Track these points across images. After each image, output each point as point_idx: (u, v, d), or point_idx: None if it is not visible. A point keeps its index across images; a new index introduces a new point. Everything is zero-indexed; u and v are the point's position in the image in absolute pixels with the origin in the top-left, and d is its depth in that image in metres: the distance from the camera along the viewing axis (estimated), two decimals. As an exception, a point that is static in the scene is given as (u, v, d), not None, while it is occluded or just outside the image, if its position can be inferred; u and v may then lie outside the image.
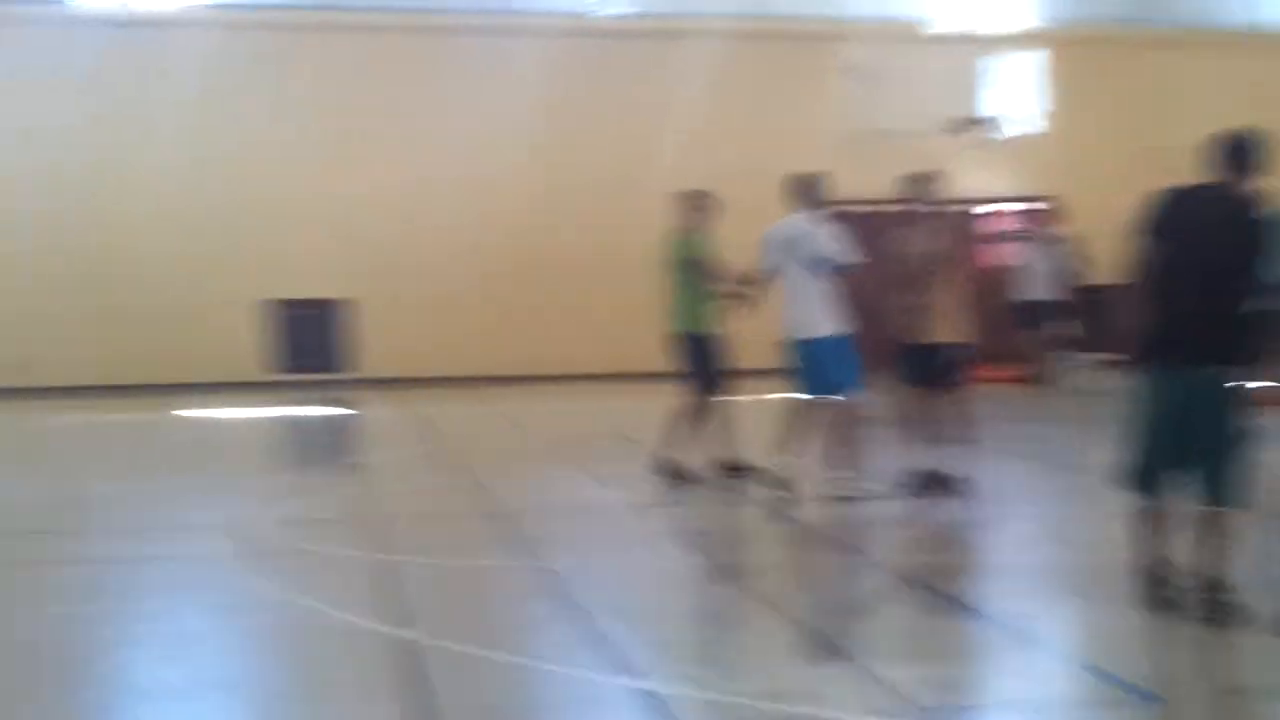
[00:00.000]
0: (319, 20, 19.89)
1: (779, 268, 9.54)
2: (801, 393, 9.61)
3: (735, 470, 10.33)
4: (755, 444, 10.19)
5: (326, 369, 20.08)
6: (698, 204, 10.50)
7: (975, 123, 21.07)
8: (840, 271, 9.40)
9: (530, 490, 10.62)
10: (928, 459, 9.60)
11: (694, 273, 10.32)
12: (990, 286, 16.88)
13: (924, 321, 9.46)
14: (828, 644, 6.36)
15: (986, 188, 20.52)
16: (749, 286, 9.90)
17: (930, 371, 9.52)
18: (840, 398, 9.54)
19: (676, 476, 10.28)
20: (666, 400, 10.64)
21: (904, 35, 20.68)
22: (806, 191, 9.61)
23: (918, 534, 8.86)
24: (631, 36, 20.47)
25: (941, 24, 21.07)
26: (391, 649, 6.08)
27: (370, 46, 20.06)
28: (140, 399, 18.24)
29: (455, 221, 20.01)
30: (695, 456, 10.37)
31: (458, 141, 19.87)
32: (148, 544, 8.75)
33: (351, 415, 17.05)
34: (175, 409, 17.03)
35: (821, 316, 9.41)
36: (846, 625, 6.85)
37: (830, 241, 9.44)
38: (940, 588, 7.30)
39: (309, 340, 20.15)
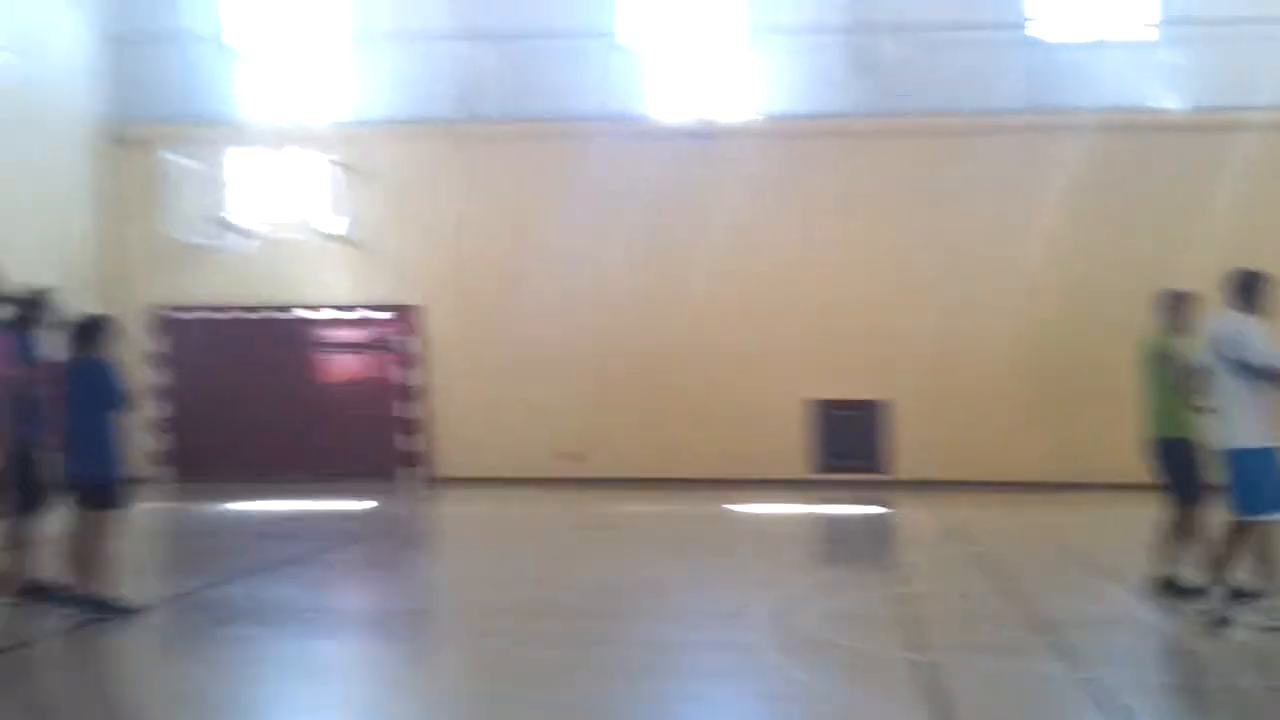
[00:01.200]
0: (874, 127, 20.37)
1: (1212, 369, 8.93)
2: (1231, 509, 8.84)
3: (1179, 588, 9.70)
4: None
5: (865, 469, 20.37)
6: (1176, 304, 10.08)
7: None
8: (1269, 377, 8.63)
9: (1063, 597, 10.36)
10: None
11: (1171, 376, 9.84)
12: None
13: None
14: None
15: None
16: (1192, 387, 9.31)
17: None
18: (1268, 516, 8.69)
19: (1173, 592, 9.76)
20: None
21: None
22: (1242, 289, 8.97)
23: None
24: (1175, 131, 19.75)
25: None
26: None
27: (919, 149, 20.35)
28: (688, 493, 19.18)
29: (989, 325, 19.93)
30: (1189, 570, 9.79)
31: (994, 243, 19.87)
32: (696, 630, 9.21)
33: (887, 515, 17.21)
34: (723, 503, 17.80)
35: (1244, 425, 8.69)
36: None
37: (1261, 344, 8.72)
38: None
39: (850, 440, 20.53)
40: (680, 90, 21.25)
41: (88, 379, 9.44)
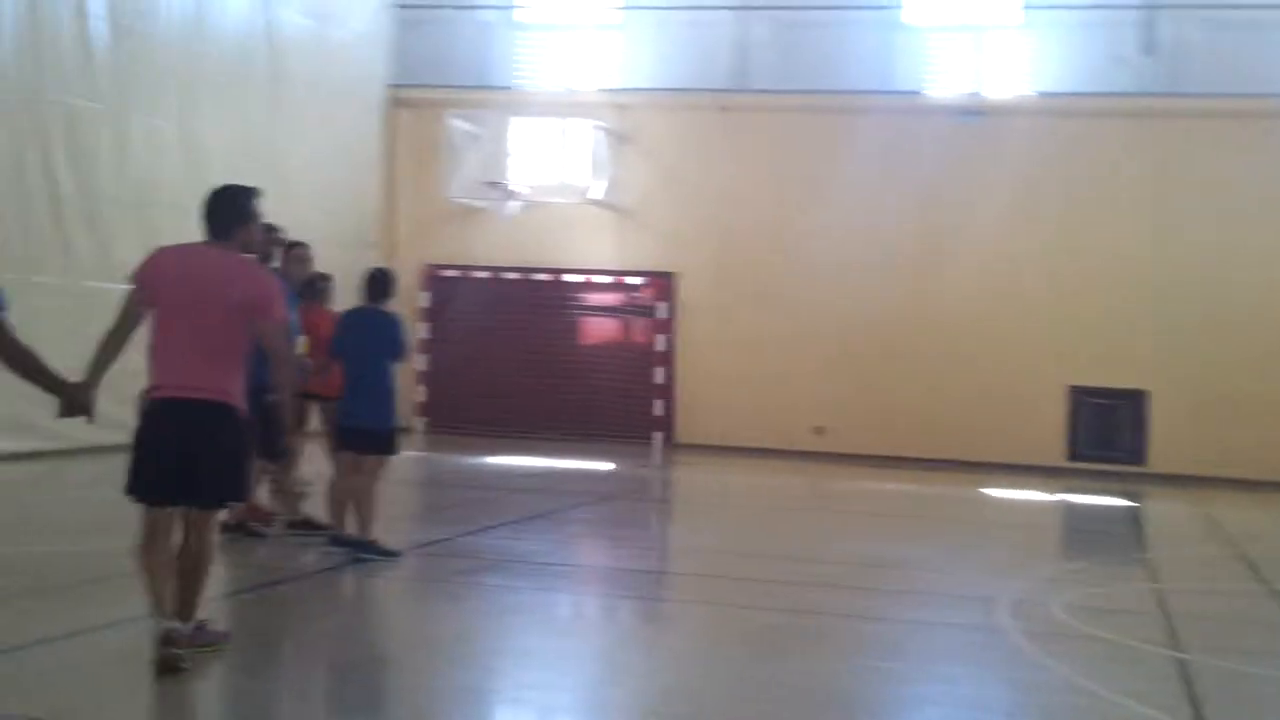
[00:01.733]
0: (1150, 107, 19.70)
1: None
2: None
3: None
4: None
5: (1121, 459, 19.80)
6: None
7: None
8: None
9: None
10: None
11: None
12: None
13: None
14: None
15: None
16: None
17: None
18: None
19: None
20: None
21: None
22: None
23: None
24: None
25: None
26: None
27: (1195, 131, 19.59)
28: (933, 473, 18.96)
29: (1255, 319, 19.14)
30: None
31: (1265, 230, 19.09)
32: (943, 611, 9.13)
33: (1141, 508, 16.69)
34: (972, 485, 17.54)
35: None
36: None
37: None
38: None
39: (1107, 429, 20.00)
40: (954, 66, 20.92)
41: (374, 329, 9.79)
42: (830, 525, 14.20)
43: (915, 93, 20.74)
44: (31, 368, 6.06)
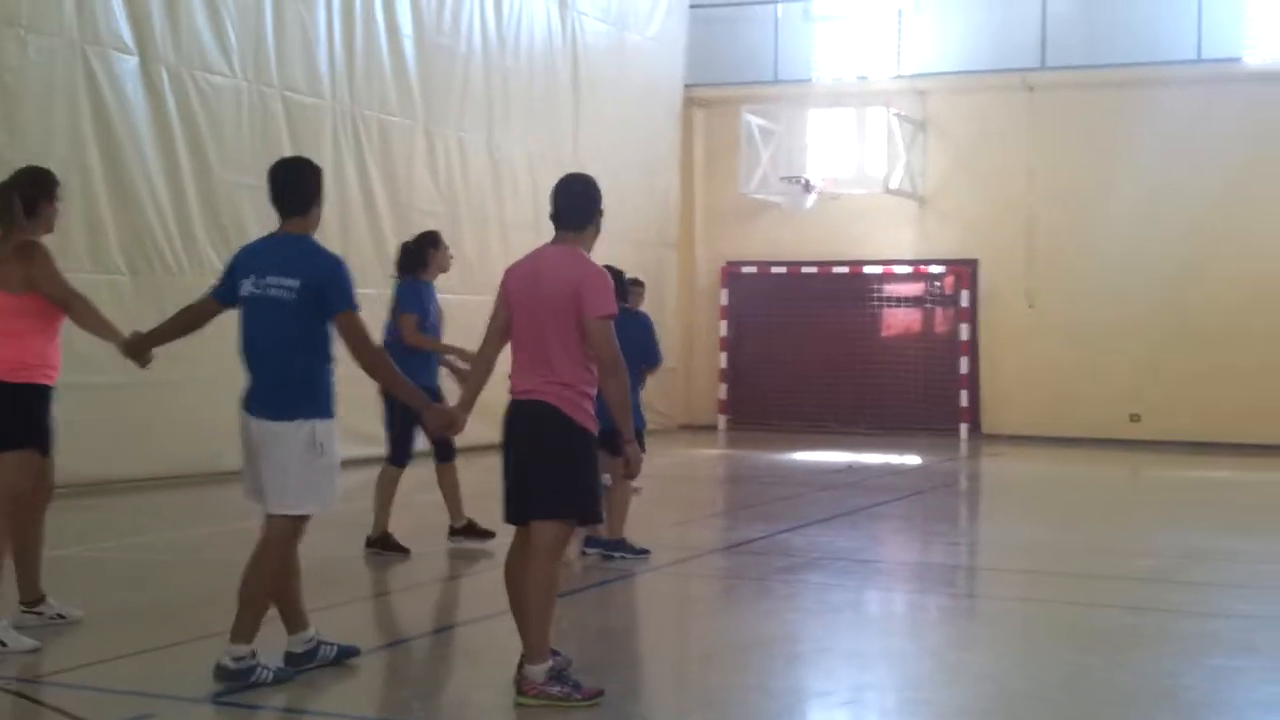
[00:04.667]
0: None
1: None
2: None
3: None
4: None
5: None
6: None
7: None
8: None
9: None
10: None
11: None
12: None
13: None
14: None
15: None
16: None
17: None
18: None
19: None
20: None
21: None
22: None
23: None
24: None
25: None
26: None
27: None
28: (1255, 459, 18.06)
29: None
30: None
31: None
32: (1271, 605, 8.66)
33: None
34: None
35: None
36: None
37: None
38: None
39: None
40: (1272, 29, 19.87)
41: (625, 332, 9.71)
42: (1151, 515, 13.64)
43: (1231, 60, 19.77)
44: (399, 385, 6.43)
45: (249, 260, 6.29)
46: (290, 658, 6.32)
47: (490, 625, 7.45)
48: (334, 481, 6.23)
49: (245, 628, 6.07)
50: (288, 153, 14.84)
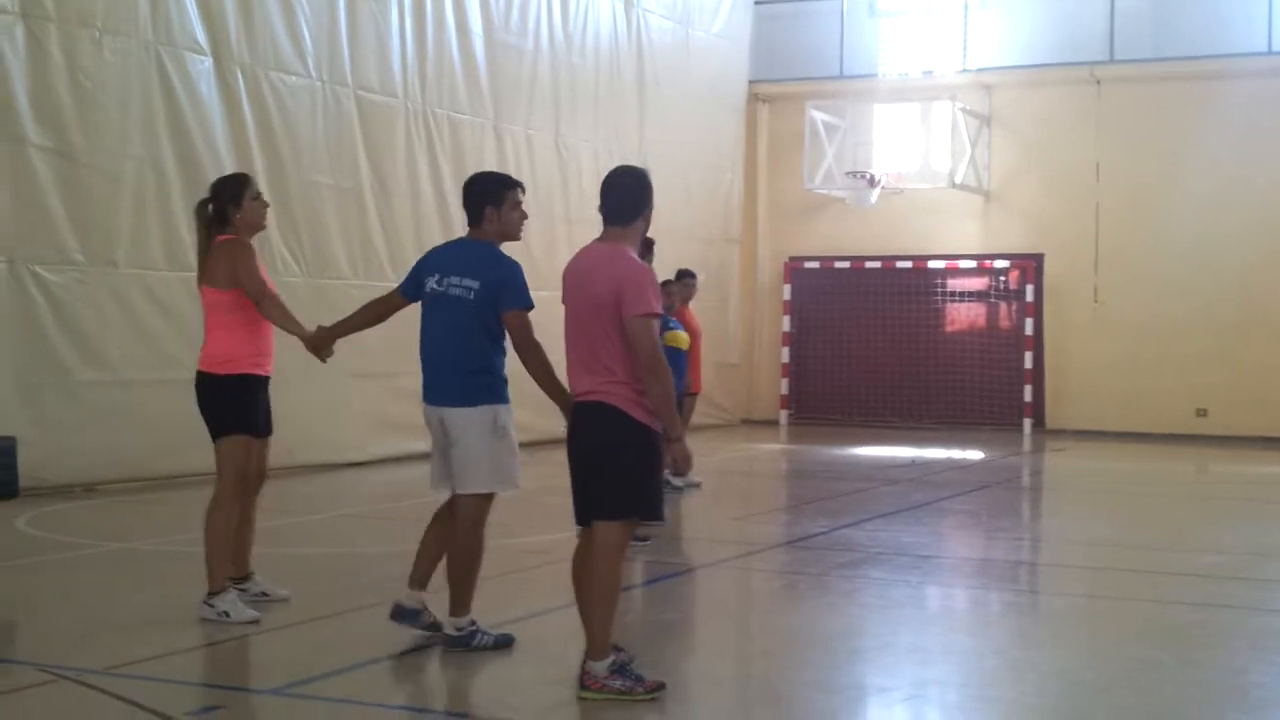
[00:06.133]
0: None
1: None
2: None
3: None
4: None
5: None
6: None
7: None
8: None
9: None
10: None
11: None
12: None
13: None
14: None
15: None
16: None
17: None
18: None
19: None
20: None
21: None
22: None
23: None
24: None
25: None
26: None
27: None
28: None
29: None
30: None
31: None
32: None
33: None
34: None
35: None
36: None
37: None
38: None
39: None
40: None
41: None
42: (1218, 512, 13.58)
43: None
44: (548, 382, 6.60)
45: (437, 261, 6.85)
46: (452, 639, 6.75)
47: (548, 620, 7.59)
48: (518, 462, 6.79)
49: (462, 601, 6.72)
50: (361, 151, 15.22)
